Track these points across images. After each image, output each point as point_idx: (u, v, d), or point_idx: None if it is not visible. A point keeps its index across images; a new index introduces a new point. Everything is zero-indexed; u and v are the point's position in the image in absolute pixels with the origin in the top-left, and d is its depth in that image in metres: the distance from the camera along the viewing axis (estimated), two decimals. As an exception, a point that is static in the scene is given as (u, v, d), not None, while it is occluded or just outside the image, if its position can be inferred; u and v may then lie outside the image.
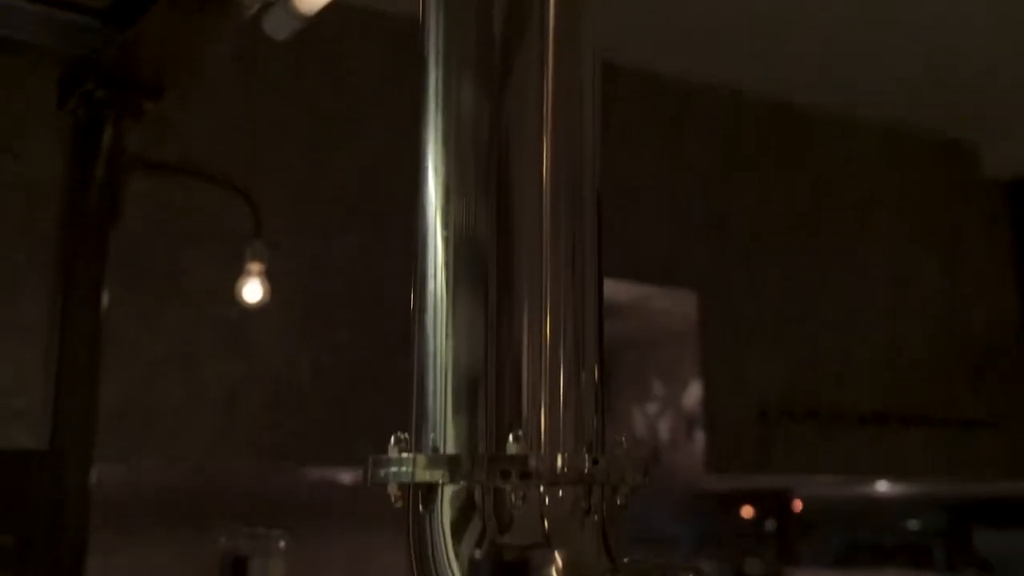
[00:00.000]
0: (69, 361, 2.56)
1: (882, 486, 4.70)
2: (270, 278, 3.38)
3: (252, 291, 3.28)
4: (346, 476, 4.07)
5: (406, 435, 0.80)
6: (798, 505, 3.92)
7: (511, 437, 0.75)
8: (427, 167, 0.84)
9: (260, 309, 3.55)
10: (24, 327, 3.08)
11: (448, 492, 0.78)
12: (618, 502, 0.81)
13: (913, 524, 5.12)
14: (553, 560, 0.76)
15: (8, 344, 3.25)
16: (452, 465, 0.77)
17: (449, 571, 0.77)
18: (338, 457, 3.80)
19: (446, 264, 0.80)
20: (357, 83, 4.06)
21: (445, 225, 0.81)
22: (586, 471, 0.78)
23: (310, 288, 3.87)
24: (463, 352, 0.79)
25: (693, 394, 4.97)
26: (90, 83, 2.70)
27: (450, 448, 0.78)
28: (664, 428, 5.14)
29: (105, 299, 2.72)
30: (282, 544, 1.94)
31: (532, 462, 0.76)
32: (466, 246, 0.80)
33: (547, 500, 0.77)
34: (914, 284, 5.51)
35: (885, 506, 4.30)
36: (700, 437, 4.90)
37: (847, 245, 5.38)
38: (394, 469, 0.79)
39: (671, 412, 5.16)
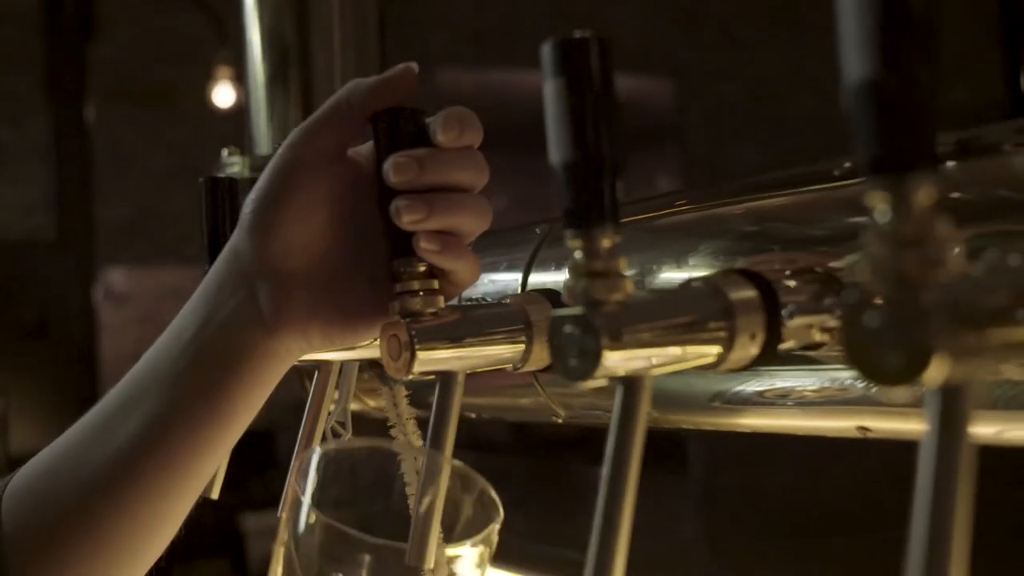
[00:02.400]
0: (68, 174, 2.75)
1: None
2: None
3: (222, 95, 3.39)
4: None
5: (236, 148, 1.04)
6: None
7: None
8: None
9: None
10: (36, 150, 3.23)
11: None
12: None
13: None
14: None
15: (24, 167, 3.43)
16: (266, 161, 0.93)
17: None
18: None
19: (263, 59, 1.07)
20: None
21: (260, 27, 1.06)
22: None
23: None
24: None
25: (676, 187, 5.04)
26: None
27: (265, 151, 1.05)
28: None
29: (106, 119, 2.85)
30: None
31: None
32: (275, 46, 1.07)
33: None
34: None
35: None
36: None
37: (828, 21, 5.34)
38: (229, 170, 1.03)
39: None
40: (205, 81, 3.50)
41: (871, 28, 0.31)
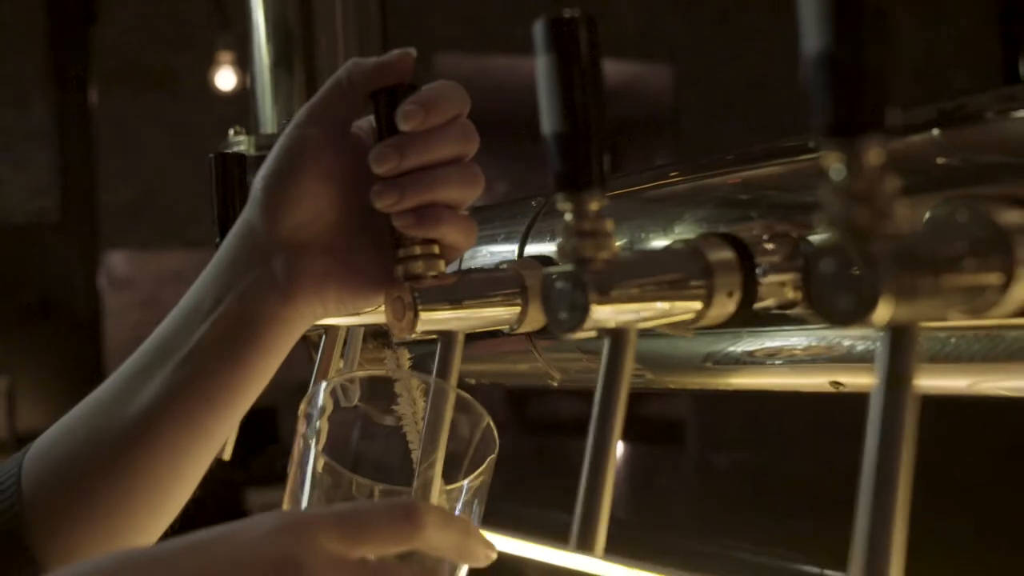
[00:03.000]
0: (71, 157, 2.80)
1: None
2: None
3: (223, 79, 3.43)
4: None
5: (243, 128, 1.08)
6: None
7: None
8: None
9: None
10: (40, 133, 3.26)
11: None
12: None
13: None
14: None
15: (28, 149, 3.46)
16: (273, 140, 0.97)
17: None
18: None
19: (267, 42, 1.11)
20: None
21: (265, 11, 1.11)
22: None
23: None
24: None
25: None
26: None
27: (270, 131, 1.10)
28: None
29: (108, 102, 2.89)
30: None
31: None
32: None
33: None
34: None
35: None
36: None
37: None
38: (235, 149, 1.05)
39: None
40: (207, 65, 3.54)
41: (826, 6, 0.35)
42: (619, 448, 0.54)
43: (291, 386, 0.98)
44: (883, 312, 0.35)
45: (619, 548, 1.05)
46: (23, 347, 2.70)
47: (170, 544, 0.51)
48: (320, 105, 0.66)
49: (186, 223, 3.91)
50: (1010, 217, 0.40)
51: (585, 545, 0.46)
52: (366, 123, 0.67)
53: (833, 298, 0.35)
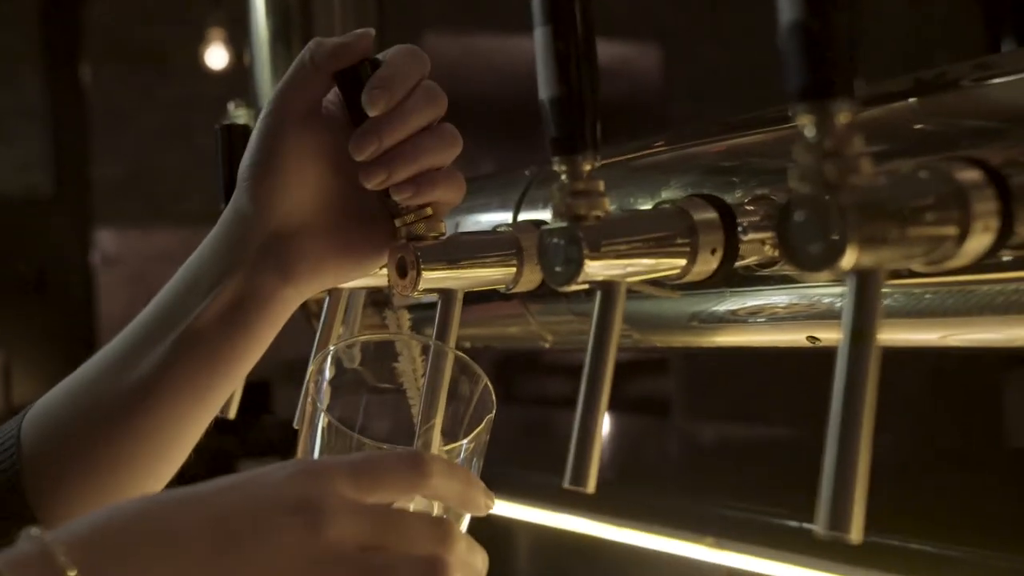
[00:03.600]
0: (63, 134, 2.82)
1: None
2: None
3: (215, 57, 3.43)
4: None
5: (242, 100, 1.12)
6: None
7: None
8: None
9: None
10: (32, 109, 3.28)
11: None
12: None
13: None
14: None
15: (20, 126, 3.47)
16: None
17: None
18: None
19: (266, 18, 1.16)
20: None
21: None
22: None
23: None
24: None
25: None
26: None
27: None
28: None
29: (100, 79, 2.92)
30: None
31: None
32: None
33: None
34: (876, 24, 5.54)
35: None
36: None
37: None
38: (234, 120, 1.12)
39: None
40: (198, 42, 3.55)
41: (799, -21, 0.38)
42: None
43: (285, 360, 1.01)
44: (850, 258, 0.39)
45: (606, 508, 1.09)
46: (18, 322, 2.73)
47: (186, 490, 0.52)
48: (287, 88, 0.67)
49: (177, 200, 3.93)
50: (968, 176, 0.44)
51: (579, 481, 0.50)
52: (336, 97, 0.68)
53: (805, 245, 0.39)
